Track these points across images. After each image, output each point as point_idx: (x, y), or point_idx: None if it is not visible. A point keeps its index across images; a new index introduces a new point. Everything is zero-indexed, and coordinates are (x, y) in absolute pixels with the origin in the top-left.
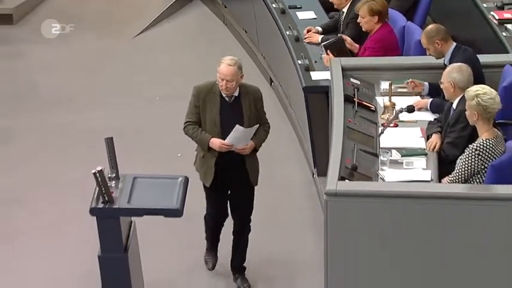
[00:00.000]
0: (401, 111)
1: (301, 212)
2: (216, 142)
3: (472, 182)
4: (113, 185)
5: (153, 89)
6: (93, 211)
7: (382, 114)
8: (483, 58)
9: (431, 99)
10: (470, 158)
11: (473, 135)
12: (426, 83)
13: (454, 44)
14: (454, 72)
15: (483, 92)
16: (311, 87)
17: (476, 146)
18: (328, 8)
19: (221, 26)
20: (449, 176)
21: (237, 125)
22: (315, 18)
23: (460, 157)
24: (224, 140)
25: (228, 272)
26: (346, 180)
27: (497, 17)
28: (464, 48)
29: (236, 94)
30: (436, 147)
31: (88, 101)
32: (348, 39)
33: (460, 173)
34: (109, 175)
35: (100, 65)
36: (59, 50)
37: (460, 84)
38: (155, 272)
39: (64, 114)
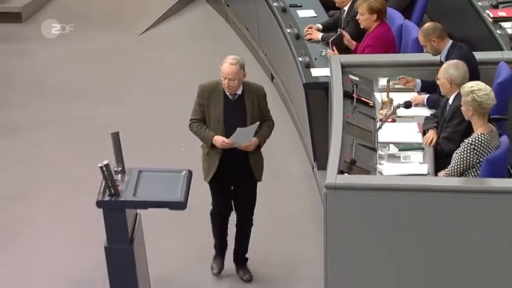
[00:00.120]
0: (398, 106)
1: (301, 204)
2: (218, 140)
3: (467, 176)
4: (119, 178)
5: (158, 85)
6: (99, 204)
7: (380, 109)
8: (478, 55)
9: (428, 95)
10: (465, 152)
11: (468, 130)
12: (418, 80)
13: (451, 41)
14: (451, 69)
15: (478, 88)
16: (311, 83)
17: (472, 140)
18: (328, 6)
19: (224, 24)
20: (446, 169)
21: (238, 128)
22: (315, 17)
23: (455, 151)
24: (227, 138)
25: (230, 264)
26: (345, 174)
27: (491, 15)
28: (460, 45)
29: (239, 92)
30: (433, 142)
31: (95, 96)
32: (346, 35)
33: (455, 167)
34: (115, 169)
35: (106, 61)
36: (66, 47)
37: (456, 81)
38: (160, 263)
39: (71, 110)
